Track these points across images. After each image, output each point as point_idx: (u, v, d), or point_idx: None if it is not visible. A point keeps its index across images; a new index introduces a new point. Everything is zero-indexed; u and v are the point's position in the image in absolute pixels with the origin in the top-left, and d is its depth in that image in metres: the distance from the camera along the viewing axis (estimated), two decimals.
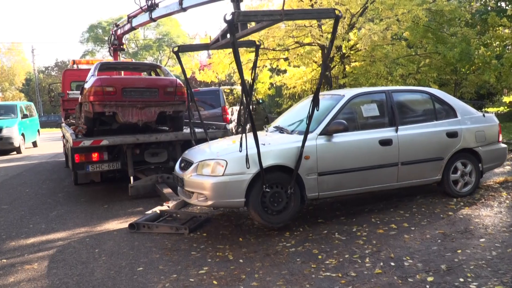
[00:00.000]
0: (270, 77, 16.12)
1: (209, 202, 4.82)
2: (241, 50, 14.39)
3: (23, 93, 48.47)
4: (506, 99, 17.14)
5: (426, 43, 13.11)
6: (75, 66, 12.99)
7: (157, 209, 5.85)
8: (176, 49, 6.66)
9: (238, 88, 16.29)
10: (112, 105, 6.89)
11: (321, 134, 5.15)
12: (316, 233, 4.77)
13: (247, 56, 14.85)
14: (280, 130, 5.80)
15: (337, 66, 13.62)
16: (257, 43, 6.60)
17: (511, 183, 6.30)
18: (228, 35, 5.07)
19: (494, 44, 12.27)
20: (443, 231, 4.52)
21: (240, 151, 4.71)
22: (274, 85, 16.56)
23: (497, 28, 12.35)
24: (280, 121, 6.37)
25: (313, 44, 12.66)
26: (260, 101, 16.85)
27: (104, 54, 52.01)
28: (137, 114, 7.09)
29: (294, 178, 4.85)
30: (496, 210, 5.12)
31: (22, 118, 16.88)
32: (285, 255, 4.17)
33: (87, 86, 7.11)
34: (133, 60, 12.71)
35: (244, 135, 4.71)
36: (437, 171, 5.62)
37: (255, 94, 16.72)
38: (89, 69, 12.36)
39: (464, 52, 11.37)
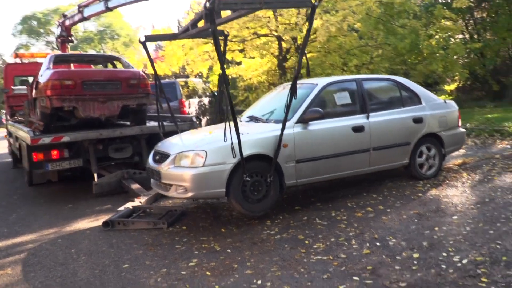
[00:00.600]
0: (226, 68, 16.02)
1: (189, 194, 4.75)
2: (197, 41, 14.20)
3: None
4: (447, 87, 18.15)
5: (377, 35, 13.58)
6: (18, 60, 12.24)
7: (130, 205, 5.68)
8: (143, 39, 6.44)
9: (194, 81, 16.08)
10: (72, 99, 6.57)
11: (297, 122, 5.23)
12: (296, 220, 4.83)
13: (202, 47, 14.67)
14: (255, 119, 5.80)
15: (292, 57, 13.79)
16: (225, 32, 6.55)
17: (469, 165, 6.70)
18: (205, 23, 4.99)
19: (439, 36, 12.93)
20: (418, 211, 4.73)
21: (225, 141, 4.64)
22: (230, 77, 16.46)
23: (442, 20, 13.00)
24: (252, 111, 6.36)
25: (270, 35, 12.73)
26: (215, 93, 16.74)
27: (40, 48, 49.28)
28: (99, 108, 6.81)
29: (274, 166, 4.88)
30: (461, 190, 5.43)
31: None
32: (272, 243, 4.20)
33: (42, 79, 6.72)
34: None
35: (227, 124, 4.66)
36: (404, 155, 5.86)
37: (210, 87, 16.58)
38: (34, 63, 11.78)
39: (414, 43, 11.91)
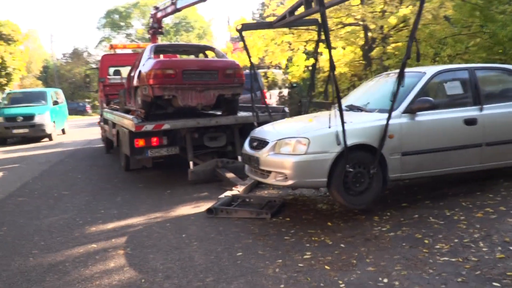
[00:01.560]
0: (306, 59, 15.80)
1: (290, 182, 4.67)
2: (279, 31, 14.15)
3: (40, 80, 48.69)
4: None
5: (471, 22, 12.64)
6: (112, 51, 12.87)
7: (229, 193, 5.71)
8: (239, 27, 6.48)
9: (274, 72, 16.04)
10: (172, 88, 6.75)
11: (404, 112, 4.96)
12: (407, 218, 4.58)
13: (283, 38, 14.55)
14: (356, 109, 5.57)
15: (378, 46, 13.26)
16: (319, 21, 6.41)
17: None
18: (305, 10, 4.91)
19: None
20: None
21: (330, 127, 4.55)
22: (310, 68, 16.24)
23: None
24: (351, 100, 6.13)
25: (355, 24, 12.33)
26: (294, 84, 16.59)
27: (120, 40, 51.91)
28: (196, 97, 6.94)
29: (378, 157, 4.68)
30: None
31: (52, 104, 16.86)
32: (387, 240, 4.00)
33: (145, 69, 6.95)
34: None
35: (333, 111, 4.54)
36: None
37: (289, 78, 16.46)
38: (127, 54, 12.31)
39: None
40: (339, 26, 12.78)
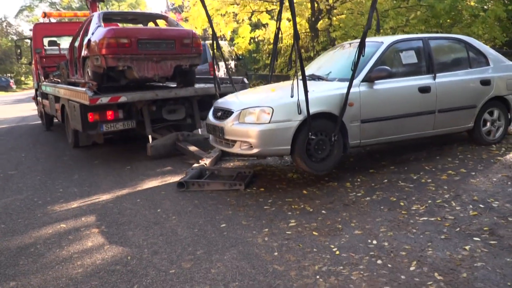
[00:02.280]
0: (251, 31, 15.66)
1: (255, 150, 4.70)
2: (224, 1, 13.81)
3: None
4: None
5: None
6: (46, 19, 11.91)
7: (197, 166, 5.58)
8: None
9: (220, 43, 15.69)
10: (127, 59, 6.39)
11: (363, 81, 5.09)
12: (377, 183, 4.75)
13: (228, 8, 14.28)
14: (317, 78, 5.61)
15: (323, 19, 13.42)
16: None
17: None
18: None
19: None
20: (506, 174, 4.63)
21: (292, 97, 4.59)
22: (256, 39, 16.12)
23: None
24: (311, 70, 6.16)
25: None
26: (240, 57, 16.43)
27: (43, 9, 48.25)
28: (153, 68, 6.64)
29: (339, 125, 4.79)
30: None
31: None
32: (365, 204, 4.12)
33: (95, 38, 6.52)
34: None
35: (296, 80, 4.57)
36: (470, 119, 5.70)
37: (235, 50, 16.27)
38: (64, 23, 11.47)
39: (453, 5, 11.48)
40: None
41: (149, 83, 8.31)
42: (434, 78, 5.47)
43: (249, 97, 5.68)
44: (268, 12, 14.76)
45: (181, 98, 7.08)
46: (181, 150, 6.74)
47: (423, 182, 4.62)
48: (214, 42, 6.46)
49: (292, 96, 4.60)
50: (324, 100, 4.85)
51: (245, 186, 4.92)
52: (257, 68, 18.50)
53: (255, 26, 16.68)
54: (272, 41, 15.95)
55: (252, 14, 14.85)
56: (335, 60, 6.26)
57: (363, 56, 4.78)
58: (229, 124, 4.94)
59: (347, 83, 4.83)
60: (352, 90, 4.80)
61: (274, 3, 13.89)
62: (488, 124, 5.82)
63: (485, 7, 12.13)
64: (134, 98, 6.48)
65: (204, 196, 4.74)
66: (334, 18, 13.64)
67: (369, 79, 5.10)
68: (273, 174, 5.48)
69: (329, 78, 5.45)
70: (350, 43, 6.47)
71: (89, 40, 6.70)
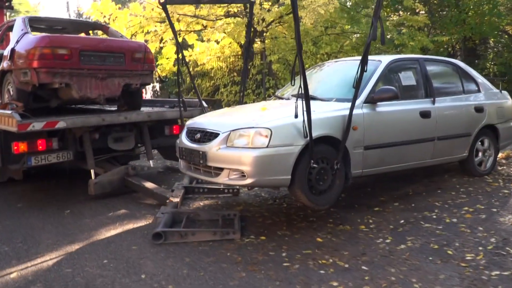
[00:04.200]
0: (176, 52, 14.60)
1: (248, 181, 3.85)
2: (149, 19, 12.70)
3: None
4: None
5: (339, 22, 13.23)
6: None
7: (167, 210, 4.45)
8: (163, 0, 5.23)
9: None
10: (65, 74, 5.11)
11: (365, 102, 4.51)
12: (395, 224, 4.10)
13: (149, 27, 13.12)
14: (313, 98, 4.86)
15: (259, 40, 12.93)
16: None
17: None
18: None
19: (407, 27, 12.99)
20: None
21: (296, 117, 3.89)
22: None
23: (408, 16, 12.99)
24: (295, 89, 5.44)
25: (240, 15, 11.73)
26: (166, 79, 15.25)
27: None
28: (97, 87, 5.41)
29: (342, 151, 4.14)
30: None
31: None
32: (408, 255, 3.41)
33: (22, 47, 5.14)
34: None
35: (298, 99, 3.91)
36: (465, 148, 5.39)
37: (159, 71, 15.04)
38: None
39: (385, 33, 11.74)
40: (221, 15, 12.03)
41: (80, 105, 6.98)
42: (433, 102, 5.06)
43: (236, 117, 4.78)
44: (196, 32, 13.87)
45: (129, 124, 5.87)
46: (133, 187, 5.52)
47: (448, 222, 4.06)
48: (180, 53, 5.48)
49: (296, 117, 3.87)
50: (325, 122, 4.16)
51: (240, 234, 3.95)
52: (182, 90, 17.40)
53: (182, 46, 15.66)
54: (199, 63, 15.08)
55: (179, 34, 13.80)
56: (325, 78, 5.61)
57: (365, 72, 4.19)
58: (214, 148, 4.04)
59: (346, 104, 4.24)
60: (354, 112, 4.17)
61: (203, 24, 13.07)
62: (480, 154, 5.55)
63: (414, 38, 12.56)
64: (76, 123, 5.15)
65: (193, 250, 3.67)
66: (267, 41, 13.18)
67: (372, 100, 4.53)
68: (261, 215, 4.57)
69: (325, 98, 4.74)
70: (335, 61, 5.91)
71: (12, 50, 5.26)
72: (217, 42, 14.59)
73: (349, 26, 13.24)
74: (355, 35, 13.53)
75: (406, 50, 12.20)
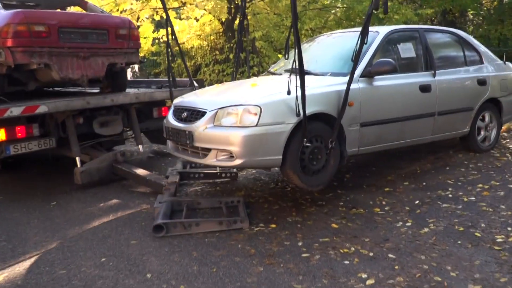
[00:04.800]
0: (154, 31, 13.97)
1: (237, 161, 3.59)
2: None
3: None
4: None
5: None
6: None
7: (166, 198, 4.10)
8: None
9: None
10: (44, 54, 4.65)
11: (362, 76, 4.22)
12: (410, 205, 3.87)
13: (125, 4, 12.45)
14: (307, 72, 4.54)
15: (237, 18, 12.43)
16: None
17: None
18: None
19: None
20: None
21: (289, 94, 3.60)
22: (161, 39, 14.44)
23: None
24: (289, 64, 5.11)
25: None
26: (144, 60, 14.64)
27: None
28: (79, 67, 4.96)
29: (337, 128, 3.86)
30: None
31: None
32: (434, 240, 3.17)
33: None
34: None
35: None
36: (466, 123, 5.17)
37: None
38: None
39: (366, 9, 11.46)
40: None
41: (59, 88, 6.50)
42: (434, 75, 4.80)
43: (224, 94, 4.48)
44: (174, 9, 13.26)
45: (116, 107, 5.44)
46: (123, 174, 5.13)
47: (466, 201, 3.86)
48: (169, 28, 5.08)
49: (289, 93, 3.58)
50: (319, 98, 3.87)
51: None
52: (158, 72, 16.80)
53: (158, 25, 15.01)
54: (179, 42, 14.48)
55: (156, 12, 13.16)
56: (319, 52, 5.27)
57: (365, 44, 3.88)
58: (200, 127, 3.76)
59: (342, 78, 4.02)
60: (351, 86, 3.85)
61: (182, 1, 12.48)
62: (482, 130, 5.34)
63: (398, 11, 12.31)
64: (58, 107, 4.71)
65: (200, 243, 3.35)
66: (249, 17, 12.70)
67: (369, 74, 4.24)
68: (266, 200, 4.27)
69: (319, 73, 4.43)
70: (330, 34, 5.57)
71: None
72: (197, 20, 14.02)
73: (330, 1, 12.92)
74: (337, 9, 13.17)
75: (390, 23, 11.95)
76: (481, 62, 5.39)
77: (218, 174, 5.07)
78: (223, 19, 12.53)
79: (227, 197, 4.32)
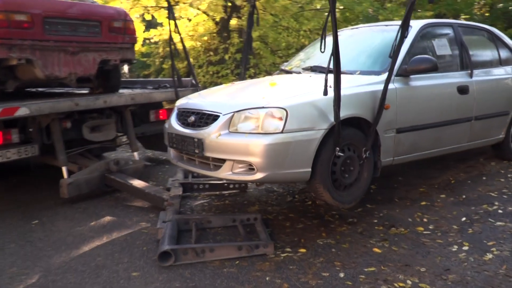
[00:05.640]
0: (145, 31, 13.32)
1: (259, 175, 3.03)
2: None
3: None
4: None
5: None
6: None
7: (170, 215, 3.48)
8: None
9: None
10: (26, 47, 4.01)
11: (397, 75, 3.69)
12: (461, 224, 3.34)
13: (114, 2, 11.79)
14: (327, 71, 3.96)
15: (235, 17, 11.89)
16: None
17: None
18: None
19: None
20: None
21: (326, 94, 3.11)
22: (152, 40, 13.78)
23: None
24: (309, 61, 4.55)
25: None
26: (134, 61, 13.92)
27: None
28: (67, 64, 4.33)
29: (373, 135, 3.37)
30: None
31: None
32: (503, 268, 2.62)
33: None
34: None
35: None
36: (501, 128, 4.71)
37: None
38: None
39: (366, 10, 11.12)
40: None
41: (45, 89, 5.84)
42: (471, 75, 4.31)
43: (239, 95, 3.91)
44: (167, 9, 12.62)
45: (109, 109, 4.81)
46: (116, 186, 4.48)
47: None
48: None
49: (326, 94, 3.09)
50: (352, 100, 3.35)
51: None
52: (148, 74, 16.12)
53: (149, 25, 14.34)
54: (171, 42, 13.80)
55: (148, 11, 12.50)
56: (343, 48, 4.69)
57: (405, 38, 3.40)
58: (212, 134, 3.21)
59: (374, 77, 3.56)
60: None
61: (175, 0, 11.87)
62: None
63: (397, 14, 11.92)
64: (42, 109, 4.05)
65: (217, 274, 2.75)
66: (244, 19, 12.14)
67: (405, 73, 3.73)
68: (286, 217, 3.69)
69: (346, 71, 3.85)
70: (352, 28, 5.05)
71: None
72: (189, 20, 13.42)
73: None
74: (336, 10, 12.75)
75: None
76: None
77: (226, 185, 4.47)
78: (218, 19, 11.97)
79: (242, 214, 3.71)
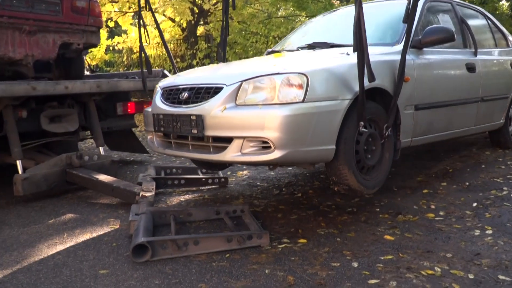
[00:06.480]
0: (108, 38, 12.78)
1: (276, 154, 2.52)
2: None
3: None
4: None
5: (283, 6, 12.36)
6: None
7: (144, 208, 2.98)
8: None
9: None
10: None
11: (411, 46, 3.35)
12: (474, 209, 3.01)
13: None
14: (330, 46, 3.55)
15: (203, 23, 11.57)
16: None
17: None
18: None
19: None
20: None
21: (348, 54, 2.82)
22: (116, 47, 13.20)
23: None
24: (307, 38, 4.10)
25: None
26: (97, 69, 13.33)
27: None
28: (22, 44, 3.82)
29: (394, 110, 2.99)
30: None
31: None
32: None
33: None
34: None
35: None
36: (502, 112, 4.51)
37: (88, 60, 13.08)
38: None
39: None
40: None
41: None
42: (475, 54, 4.09)
43: (244, 66, 3.32)
44: (132, 16, 12.17)
45: (71, 98, 4.28)
46: (79, 182, 3.92)
47: None
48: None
49: (348, 54, 2.81)
50: (373, 68, 2.86)
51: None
52: None
53: (112, 32, 13.79)
54: (135, 51, 13.27)
55: (110, 19, 11.92)
56: (348, 24, 4.38)
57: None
58: (215, 108, 2.70)
59: (388, 48, 3.22)
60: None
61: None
62: None
63: None
64: None
65: (205, 269, 2.27)
66: (211, 24, 11.81)
67: (419, 45, 3.41)
68: (276, 209, 3.26)
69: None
70: (347, 6, 4.77)
71: None
72: (155, 28, 12.95)
73: (294, 10, 12.46)
74: (301, 18, 12.69)
75: None
76: (507, 45, 4.81)
77: (203, 180, 4.01)
78: (184, 24, 11.60)
79: (227, 205, 3.26)
